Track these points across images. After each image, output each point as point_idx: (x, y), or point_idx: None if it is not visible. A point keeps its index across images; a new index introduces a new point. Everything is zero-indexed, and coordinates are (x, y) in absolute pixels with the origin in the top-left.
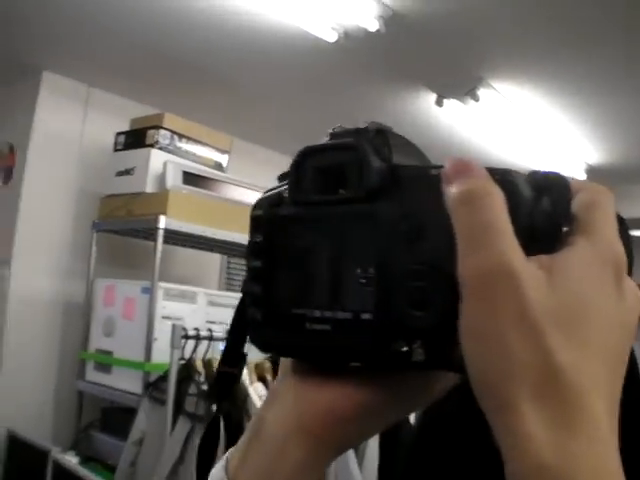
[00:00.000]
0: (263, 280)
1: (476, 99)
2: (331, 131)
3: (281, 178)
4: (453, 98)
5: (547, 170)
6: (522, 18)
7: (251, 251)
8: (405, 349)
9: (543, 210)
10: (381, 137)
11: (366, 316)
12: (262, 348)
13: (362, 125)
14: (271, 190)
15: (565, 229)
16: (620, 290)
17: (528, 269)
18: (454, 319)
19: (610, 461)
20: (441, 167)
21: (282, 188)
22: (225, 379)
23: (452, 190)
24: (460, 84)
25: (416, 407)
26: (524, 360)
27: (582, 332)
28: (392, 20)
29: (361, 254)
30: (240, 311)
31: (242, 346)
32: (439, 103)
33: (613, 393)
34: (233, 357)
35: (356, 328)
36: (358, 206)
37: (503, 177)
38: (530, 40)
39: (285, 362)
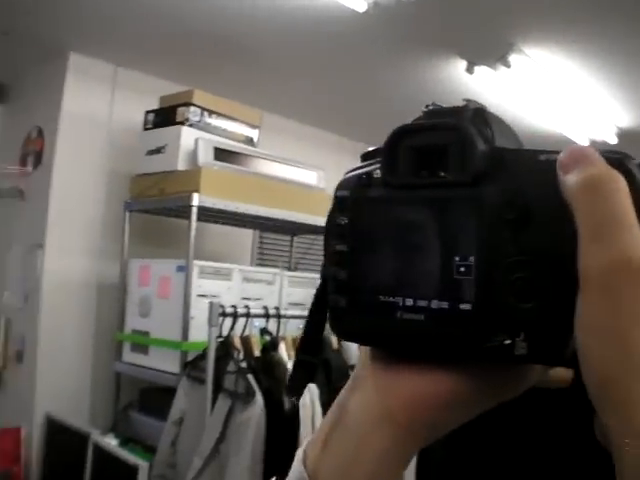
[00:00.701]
0: (349, 265)
1: (507, 65)
2: (425, 109)
3: (365, 157)
4: (484, 65)
5: None
6: None
7: (335, 233)
8: (508, 342)
9: None
10: (481, 117)
11: (465, 306)
12: (345, 336)
13: (460, 104)
14: (356, 169)
15: None
16: None
17: None
18: (562, 312)
19: None
20: (550, 152)
21: (370, 168)
22: (306, 367)
23: (572, 177)
24: (491, 51)
25: (506, 397)
26: None
27: None
28: None
29: (461, 241)
30: (320, 297)
31: (321, 334)
32: (470, 70)
33: None
34: (313, 345)
35: (453, 319)
36: (461, 190)
37: (619, 164)
38: (561, 4)
39: (364, 349)
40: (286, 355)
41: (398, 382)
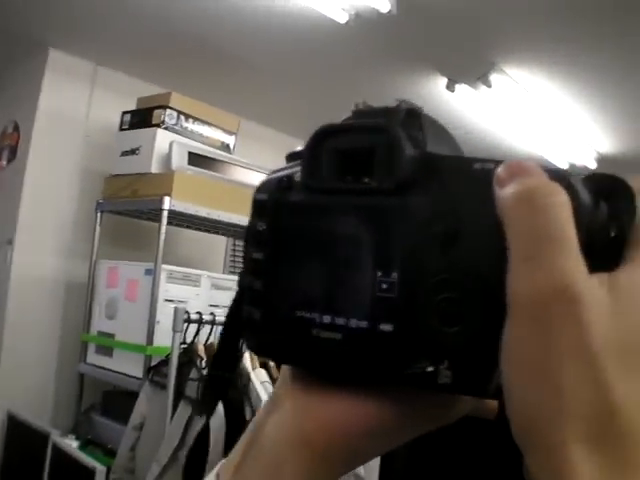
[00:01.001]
0: (265, 275)
1: (488, 85)
2: (354, 109)
3: (290, 158)
4: (465, 83)
5: (606, 172)
6: (536, 3)
7: (252, 240)
8: (430, 369)
9: (602, 218)
10: (414, 119)
11: (385, 327)
12: (258, 352)
13: (392, 104)
14: (279, 171)
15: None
16: None
17: (592, 292)
18: (491, 340)
19: None
20: (485, 161)
21: (292, 170)
22: (218, 383)
23: (507, 190)
24: (472, 69)
25: (435, 425)
26: (579, 397)
27: None
28: (404, 1)
29: (384, 255)
30: (235, 308)
31: (237, 347)
32: (450, 88)
33: None
34: (227, 359)
35: (372, 340)
36: (385, 199)
37: (561, 178)
38: (543, 26)
39: (285, 367)
40: (250, 365)
41: (316, 404)
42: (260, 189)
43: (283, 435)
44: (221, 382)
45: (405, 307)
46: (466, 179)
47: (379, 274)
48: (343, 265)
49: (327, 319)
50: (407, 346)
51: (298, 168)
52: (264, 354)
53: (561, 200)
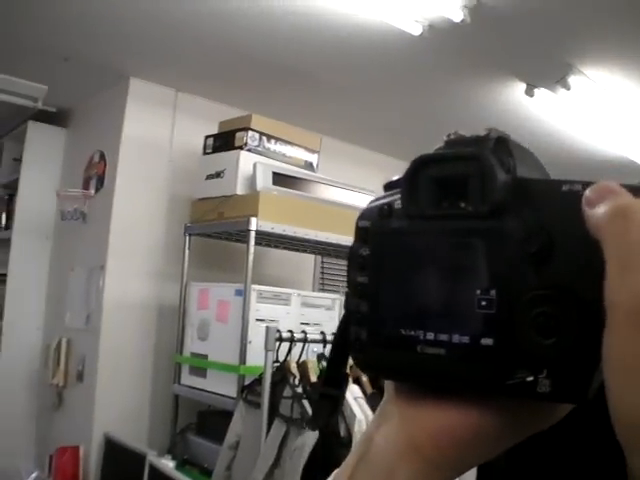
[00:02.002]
0: (370, 297)
1: (567, 87)
2: (446, 138)
3: (388, 187)
4: (543, 87)
5: None
6: (611, 1)
7: (356, 264)
8: (530, 379)
9: None
10: (503, 146)
11: (486, 341)
12: (365, 370)
13: (482, 133)
14: (378, 200)
15: None
16: None
17: None
18: (586, 349)
19: None
20: (573, 182)
21: (391, 198)
22: (328, 402)
23: (599, 209)
24: (550, 72)
25: (533, 431)
26: None
27: None
28: (476, 9)
29: (482, 274)
30: (343, 329)
31: (345, 366)
32: (529, 93)
33: None
34: (336, 378)
35: (475, 354)
36: (481, 222)
37: None
38: (620, 24)
39: (390, 382)
40: None
41: (423, 415)
42: (362, 216)
43: (393, 445)
44: (333, 399)
45: (504, 322)
46: (555, 201)
47: (478, 292)
48: (443, 285)
49: (431, 336)
50: (507, 358)
51: (397, 196)
52: (371, 371)
53: None
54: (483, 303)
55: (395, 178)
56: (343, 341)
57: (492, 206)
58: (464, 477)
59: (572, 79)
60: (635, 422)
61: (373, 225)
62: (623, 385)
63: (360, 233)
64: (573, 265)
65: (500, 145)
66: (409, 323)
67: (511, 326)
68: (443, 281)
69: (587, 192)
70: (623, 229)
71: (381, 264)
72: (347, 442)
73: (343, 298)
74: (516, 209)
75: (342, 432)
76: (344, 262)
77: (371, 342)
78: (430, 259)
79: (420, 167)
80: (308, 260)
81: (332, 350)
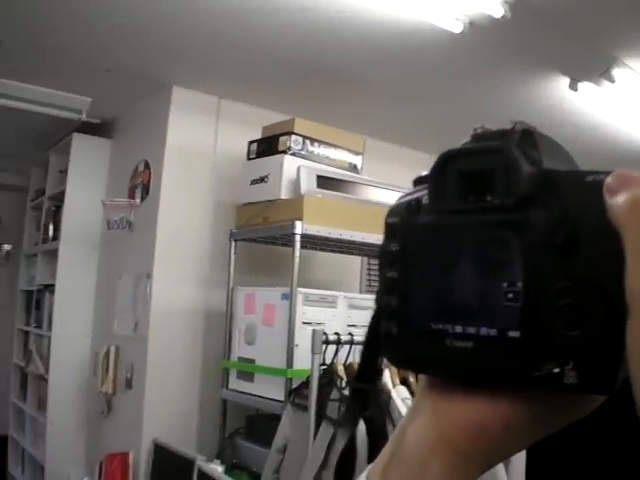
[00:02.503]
0: (399, 292)
1: (611, 80)
2: (473, 133)
3: (417, 182)
4: (587, 81)
5: None
6: None
7: (386, 260)
8: (556, 370)
9: None
10: (528, 139)
11: (513, 334)
12: (396, 364)
13: (507, 126)
14: (407, 195)
15: None
16: None
17: None
18: (612, 340)
19: None
20: (597, 173)
21: (420, 194)
22: (360, 396)
23: (620, 198)
24: (594, 65)
25: (564, 423)
26: None
27: None
28: (517, 4)
29: (508, 267)
30: (374, 324)
31: (376, 361)
32: (573, 87)
33: None
34: (368, 373)
35: (502, 346)
36: (507, 215)
37: None
38: None
39: (423, 376)
40: (390, 382)
41: (454, 408)
42: (391, 213)
43: (425, 438)
44: (363, 395)
45: (530, 314)
46: (580, 192)
47: (505, 285)
48: (471, 278)
49: (459, 329)
50: (534, 350)
51: (424, 192)
52: (402, 365)
53: None
54: (510, 295)
55: (424, 174)
56: (374, 336)
57: (517, 198)
58: (495, 469)
59: (616, 72)
60: None
61: (401, 221)
62: None
63: (389, 229)
64: (598, 256)
65: (525, 138)
66: (438, 317)
67: (537, 318)
68: (470, 274)
69: (608, 179)
70: None
71: (410, 259)
72: None
73: None
74: (542, 201)
75: (389, 432)
76: None
77: (401, 336)
78: (457, 253)
79: (447, 162)
80: (354, 262)
81: (364, 345)
